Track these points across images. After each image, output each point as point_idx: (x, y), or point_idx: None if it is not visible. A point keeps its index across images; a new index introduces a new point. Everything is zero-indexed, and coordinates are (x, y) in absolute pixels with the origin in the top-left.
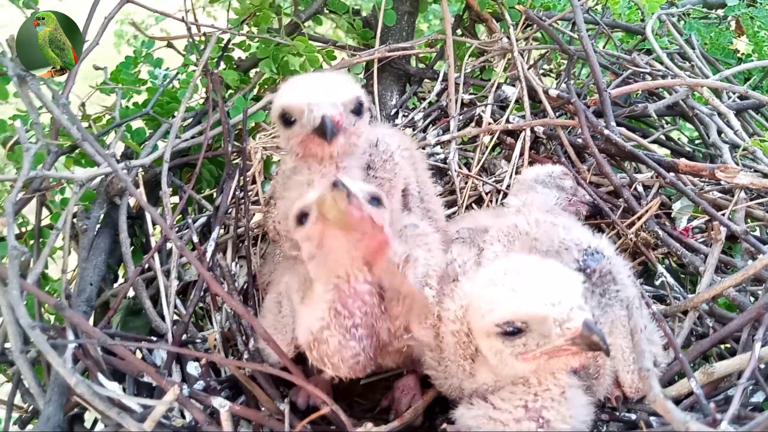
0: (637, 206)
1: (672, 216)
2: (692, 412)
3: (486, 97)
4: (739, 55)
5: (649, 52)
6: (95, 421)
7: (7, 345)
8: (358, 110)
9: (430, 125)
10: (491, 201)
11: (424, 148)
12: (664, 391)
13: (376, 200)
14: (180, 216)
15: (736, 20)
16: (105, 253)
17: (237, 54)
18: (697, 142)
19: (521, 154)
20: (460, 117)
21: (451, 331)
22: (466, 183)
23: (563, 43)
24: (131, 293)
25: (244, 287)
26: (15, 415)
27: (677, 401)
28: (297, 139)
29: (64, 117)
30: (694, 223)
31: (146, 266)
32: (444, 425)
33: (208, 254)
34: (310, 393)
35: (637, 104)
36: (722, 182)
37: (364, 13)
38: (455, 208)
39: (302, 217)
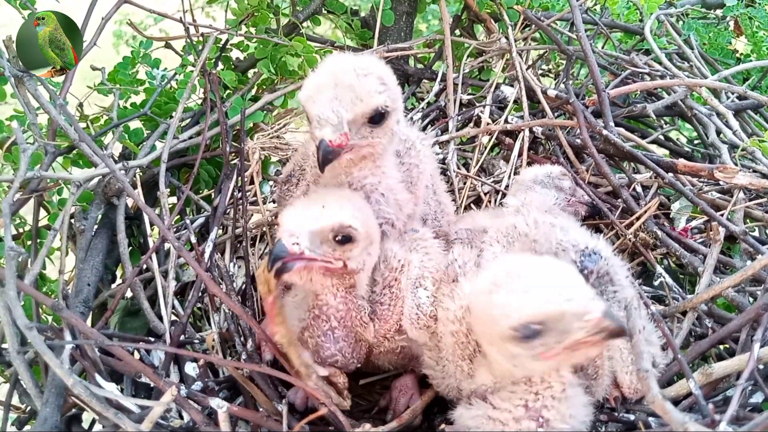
0: (635, 206)
1: (671, 216)
2: (691, 412)
3: (484, 97)
4: (737, 55)
5: (647, 52)
6: (93, 422)
7: (4, 345)
8: (377, 119)
9: (429, 125)
10: (490, 201)
11: None
12: (663, 392)
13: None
14: (178, 216)
15: (734, 20)
16: (102, 253)
17: (235, 54)
18: (695, 142)
19: (520, 155)
20: (459, 117)
21: (450, 331)
22: (464, 183)
23: (562, 43)
24: (129, 294)
25: (243, 288)
26: (13, 415)
27: (676, 402)
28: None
29: (62, 117)
30: (693, 223)
31: (144, 267)
32: (442, 426)
33: (206, 255)
34: (308, 393)
35: (635, 104)
36: (721, 182)
37: (362, 14)
38: (454, 209)
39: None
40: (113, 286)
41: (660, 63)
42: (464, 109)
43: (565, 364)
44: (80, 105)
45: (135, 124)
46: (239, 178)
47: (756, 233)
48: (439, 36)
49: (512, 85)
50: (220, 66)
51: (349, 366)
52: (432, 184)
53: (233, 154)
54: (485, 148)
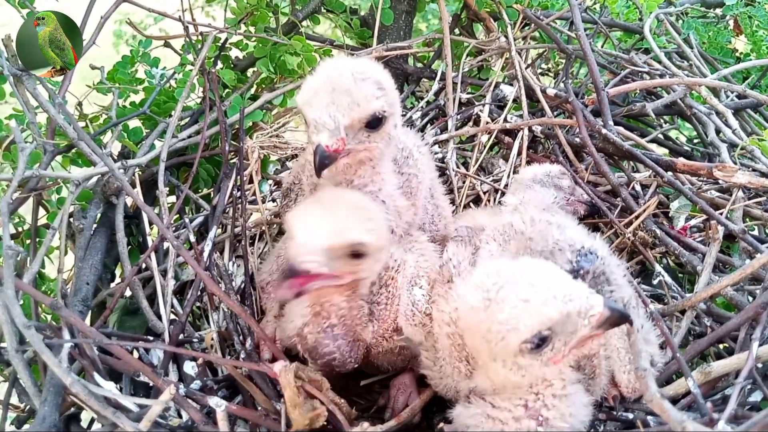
0: (635, 205)
1: (670, 215)
2: (689, 411)
3: (484, 96)
4: (737, 54)
5: (647, 51)
6: (92, 421)
7: (3, 344)
8: (374, 123)
9: (428, 124)
10: (489, 200)
11: None
12: (661, 391)
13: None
14: (177, 215)
15: (734, 19)
16: (101, 252)
17: (234, 53)
18: (695, 141)
19: (519, 154)
20: (458, 116)
21: (446, 333)
22: (463, 182)
23: (561, 42)
24: (128, 293)
25: (242, 287)
26: (12, 414)
27: (674, 401)
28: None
29: (61, 116)
30: (692, 222)
31: (143, 266)
32: (441, 424)
33: (205, 254)
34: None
35: (635, 103)
36: (720, 181)
37: (361, 13)
38: (453, 208)
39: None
40: (112, 285)
41: (659, 62)
42: (463, 108)
43: (571, 361)
44: (79, 104)
45: (134, 123)
46: (238, 177)
47: (755, 232)
48: (438, 35)
49: (511, 84)
50: (219, 65)
51: (347, 365)
52: (430, 188)
53: (232, 153)
54: (484, 147)
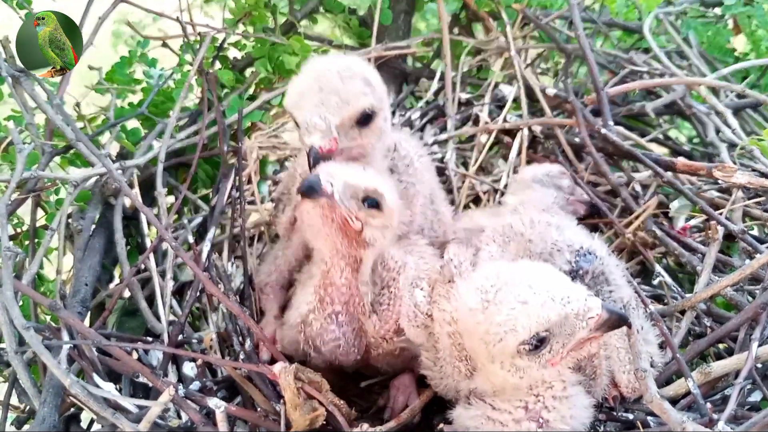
0: (634, 205)
1: (670, 215)
2: (689, 411)
3: (483, 96)
4: (736, 53)
5: (646, 50)
6: (92, 421)
7: (2, 345)
8: (365, 120)
9: (427, 124)
10: (489, 201)
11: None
12: (661, 391)
13: (373, 202)
14: (176, 216)
15: (733, 19)
16: (100, 253)
17: (232, 53)
18: (694, 141)
19: (519, 154)
20: (458, 116)
21: (447, 332)
22: (463, 182)
23: (560, 41)
24: (127, 294)
25: (241, 288)
26: (12, 415)
27: (674, 401)
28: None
29: (59, 117)
30: (692, 222)
31: (142, 267)
32: (441, 425)
33: (204, 255)
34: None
35: (634, 103)
36: (720, 181)
37: (360, 12)
38: (452, 208)
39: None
40: (111, 285)
41: (659, 61)
42: (463, 108)
43: (570, 363)
44: (77, 105)
45: (132, 124)
46: (237, 178)
47: (755, 232)
48: (437, 35)
49: (511, 84)
50: (218, 65)
51: (350, 355)
52: (430, 194)
53: (231, 154)
54: (484, 147)
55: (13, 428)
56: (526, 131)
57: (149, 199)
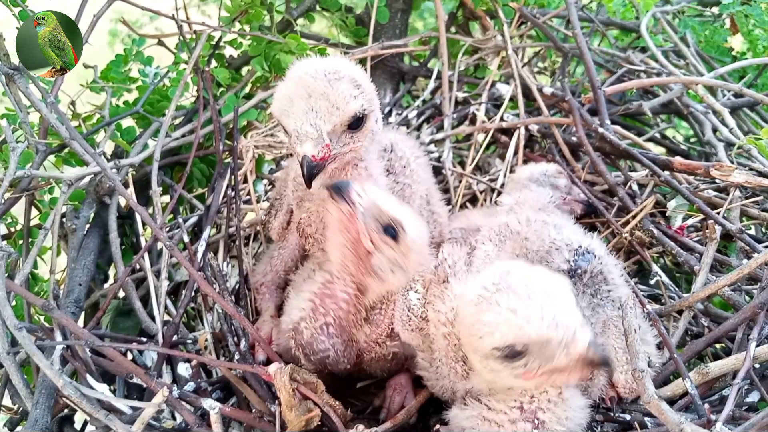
0: (631, 205)
1: (667, 215)
2: (687, 412)
3: (480, 95)
4: (733, 53)
5: (643, 50)
6: (86, 422)
7: None
8: (356, 124)
9: (424, 123)
10: (485, 200)
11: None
12: (659, 392)
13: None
14: (171, 215)
15: (730, 18)
16: (94, 253)
17: (228, 52)
18: (692, 140)
19: (515, 153)
20: (454, 115)
21: (442, 333)
22: (460, 182)
23: (557, 40)
24: (121, 294)
25: (236, 287)
26: (5, 416)
27: (672, 402)
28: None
29: (53, 116)
30: (689, 221)
31: (136, 266)
32: (437, 426)
33: (199, 254)
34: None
35: (631, 102)
36: (717, 180)
37: (357, 11)
38: (449, 207)
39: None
40: (105, 285)
41: (656, 60)
42: (460, 107)
43: (545, 384)
44: (72, 103)
45: (127, 122)
46: (232, 177)
47: (752, 231)
48: (434, 33)
49: (508, 83)
50: (214, 63)
51: (339, 365)
52: (426, 194)
53: (226, 153)
54: (481, 146)
55: (6, 429)
56: (522, 130)
57: (144, 198)
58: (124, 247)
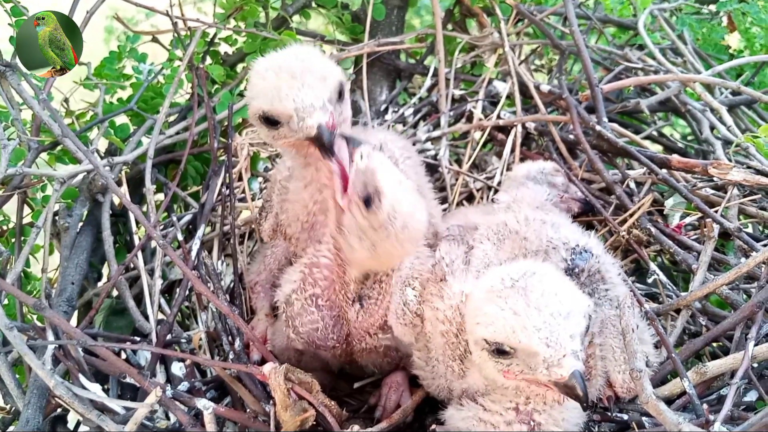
0: (629, 203)
1: (664, 213)
2: (685, 412)
3: (477, 92)
4: (731, 50)
5: (641, 47)
6: (79, 423)
7: None
8: (341, 94)
9: (421, 121)
10: (482, 198)
11: (414, 144)
12: (657, 391)
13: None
14: (165, 213)
15: (728, 16)
16: (87, 251)
17: (223, 49)
18: (689, 138)
19: (512, 151)
20: (451, 113)
21: (440, 331)
22: (456, 180)
23: (555, 38)
24: (114, 292)
25: (231, 286)
26: None
27: (670, 401)
28: (287, 141)
29: (45, 113)
30: (687, 220)
31: (130, 265)
32: (433, 426)
33: (193, 253)
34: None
35: (629, 100)
36: (715, 179)
37: (353, 8)
38: (446, 205)
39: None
40: (98, 284)
41: (654, 58)
42: (456, 105)
43: (523, 388)
44: (65, 100)
45: (121, 120)
46: (227, 175)
47: (750, 230)
48: (430, 30)
49: (505, 81)
50: (208, 60)
51: (328, 340)
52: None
53: (221, 150)
54: (477, 143)
55: None
56: (519, 128)
57: (138, 197)
58: (117, 245)
